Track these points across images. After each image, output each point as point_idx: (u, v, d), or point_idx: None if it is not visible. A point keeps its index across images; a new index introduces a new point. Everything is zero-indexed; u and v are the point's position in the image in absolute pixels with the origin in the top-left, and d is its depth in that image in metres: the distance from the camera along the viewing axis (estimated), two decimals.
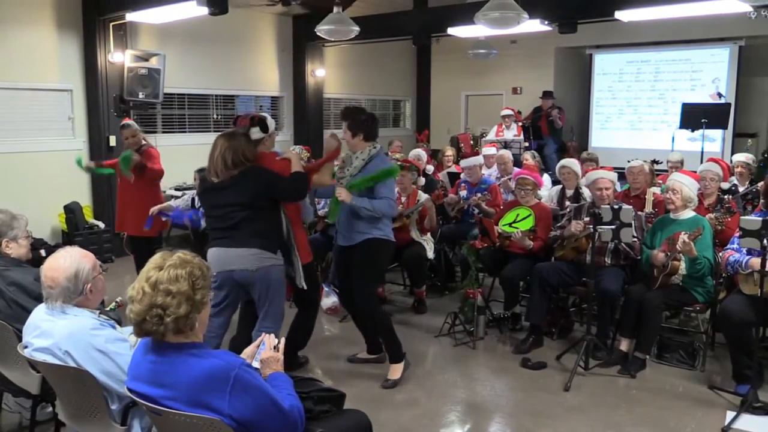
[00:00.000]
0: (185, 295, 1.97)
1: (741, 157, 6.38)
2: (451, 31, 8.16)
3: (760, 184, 5.07)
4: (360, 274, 4.04)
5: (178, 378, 1.96)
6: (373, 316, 4.05)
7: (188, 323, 1.99)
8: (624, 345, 4.36)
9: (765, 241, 3.50)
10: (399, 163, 5.50)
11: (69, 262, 2.44)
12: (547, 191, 6.11)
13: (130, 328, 2.71)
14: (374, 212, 3.81)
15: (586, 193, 5.62)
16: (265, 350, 2.29)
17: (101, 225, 7.48)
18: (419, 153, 7.06)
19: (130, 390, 2.07)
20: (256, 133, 3.82)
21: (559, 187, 5.89)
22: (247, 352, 2.34)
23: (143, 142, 5.54)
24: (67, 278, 2.40)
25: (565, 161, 5.93)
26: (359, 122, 3.91)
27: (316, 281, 4.24)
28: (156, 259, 2.04)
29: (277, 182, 3.58)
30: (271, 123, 3.91)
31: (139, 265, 5.51)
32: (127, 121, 5.74)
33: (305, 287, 3.86)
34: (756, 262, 3.64)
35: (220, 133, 3.68)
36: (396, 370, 4.08)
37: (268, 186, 3.54)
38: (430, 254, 5.47)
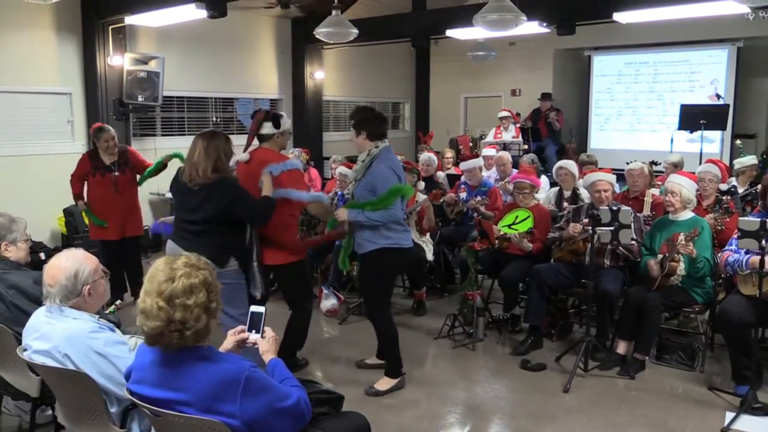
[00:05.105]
0: (203, 306, 1.94)
1: (752, 160, 6.28)
2: (449, 33, 8.17)
3: (759, 185, 5.06)
4: (367, 285, 4.07)
5: (189, 381, 1.94)
6: (378, 326, 3.99)
7: (207, 332, 1.97)
8: (622, 347, 4.35)
9: (764, 242, 3.50)
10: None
11: (71, 262, 2.44)
12: (545, 193, 6.11)
13: (129, 331, 2.73)
14: (372, 222, 3.74)
15: (583, 193, 5.62)
16: (263, 329, 2.28)
17: None
18: (431, 158, 6.79)
19: (132, 393, 2.06)
20: (268, 128, 3.87)
21: (557, 188, 5.89)
22: (236, 330, 2.29)
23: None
24: (66, 277, 2.40)
25: (561, 162, 5.92)
26: (363, 120, 3.87)
27: (306, 280, 4.21)
28: (163, 267, 1.96)
29: (240, 204, 3.54)
30: (285, 122, 3.93)
31: (134, 266, 5.59)
32: (101, 125, 5.70)
33: (258, 296, 3.77)
34: (756, 260, 3.64)
35: (198, 134, 3.67)
36: (386, 383, 3.99)
37: (228, 208, 3.51)
38: (430, 256, 5.46)
